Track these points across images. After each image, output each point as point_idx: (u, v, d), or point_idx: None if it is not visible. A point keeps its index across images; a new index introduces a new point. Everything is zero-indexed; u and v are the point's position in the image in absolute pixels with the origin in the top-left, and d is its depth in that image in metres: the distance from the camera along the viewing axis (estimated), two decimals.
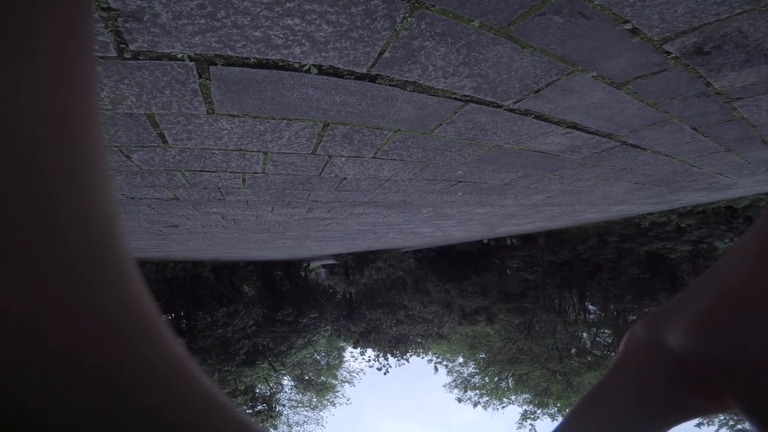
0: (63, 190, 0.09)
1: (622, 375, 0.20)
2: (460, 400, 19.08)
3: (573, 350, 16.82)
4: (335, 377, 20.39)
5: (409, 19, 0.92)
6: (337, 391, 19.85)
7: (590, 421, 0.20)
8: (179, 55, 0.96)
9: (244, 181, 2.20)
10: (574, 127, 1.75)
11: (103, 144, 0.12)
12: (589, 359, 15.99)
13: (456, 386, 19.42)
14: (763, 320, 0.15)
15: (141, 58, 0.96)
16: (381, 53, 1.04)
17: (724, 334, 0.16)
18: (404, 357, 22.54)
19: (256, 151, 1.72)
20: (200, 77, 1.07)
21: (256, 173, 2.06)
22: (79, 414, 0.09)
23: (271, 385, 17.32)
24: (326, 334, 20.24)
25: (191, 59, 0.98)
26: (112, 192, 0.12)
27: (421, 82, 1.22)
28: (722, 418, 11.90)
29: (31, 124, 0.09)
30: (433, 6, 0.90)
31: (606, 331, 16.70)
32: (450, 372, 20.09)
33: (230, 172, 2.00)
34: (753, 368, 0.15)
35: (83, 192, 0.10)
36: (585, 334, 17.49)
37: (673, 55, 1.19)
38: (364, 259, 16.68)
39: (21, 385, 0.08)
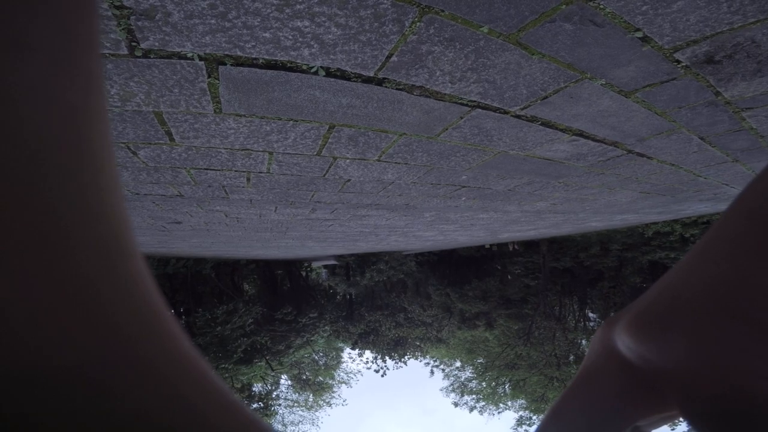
0: (64, 188, 0.09)
1: (581, 380, 0.20)
2: (456, 404, 18.99)
3: (571, 357, 16.70)
4: (332, 378, 20.36)
5: (418, 23, 0.92)
6: (334, 392, 19.83)
7: (555, 425, 0.20)
8: (189, 54, 0.96)
9: (248, 180, 2.20)
10: (581, 134, 1.75)
11: (111, 142, 0.11)
12: None
13: (453, 390, 19.34)
14: (695, 319, 0.15)
15: (151, 56, 0.96)
16: (389, 57, 1.04)
17: (656, 333, 0.16)
18: (402, 360, 22.47)
19: (262, 151, 1.72)
20: (209, 76, 1.08)
21: (261, 173, 2.06)
22: (57, 416, 0.08)
23: (267, 383, 17.30)
24: (325, 335, 20.22)
25: (201, 58, 0.99)
26: (120, 190, 0.11)
27: (428, 86, 1.22)
28: None
29: (29, 121, 0.08)
30: (442, 11, 0.89)
31: None
32: (447, 376, 20.01)
33: (235, 171, 2.00)
34: (686, 370, 0.15)
35: (88, 190, 0.10)
36: (584, 342, 17.37)
37: (684, 64, 1.18)
38: (365, 260, 16.67)
39: None
